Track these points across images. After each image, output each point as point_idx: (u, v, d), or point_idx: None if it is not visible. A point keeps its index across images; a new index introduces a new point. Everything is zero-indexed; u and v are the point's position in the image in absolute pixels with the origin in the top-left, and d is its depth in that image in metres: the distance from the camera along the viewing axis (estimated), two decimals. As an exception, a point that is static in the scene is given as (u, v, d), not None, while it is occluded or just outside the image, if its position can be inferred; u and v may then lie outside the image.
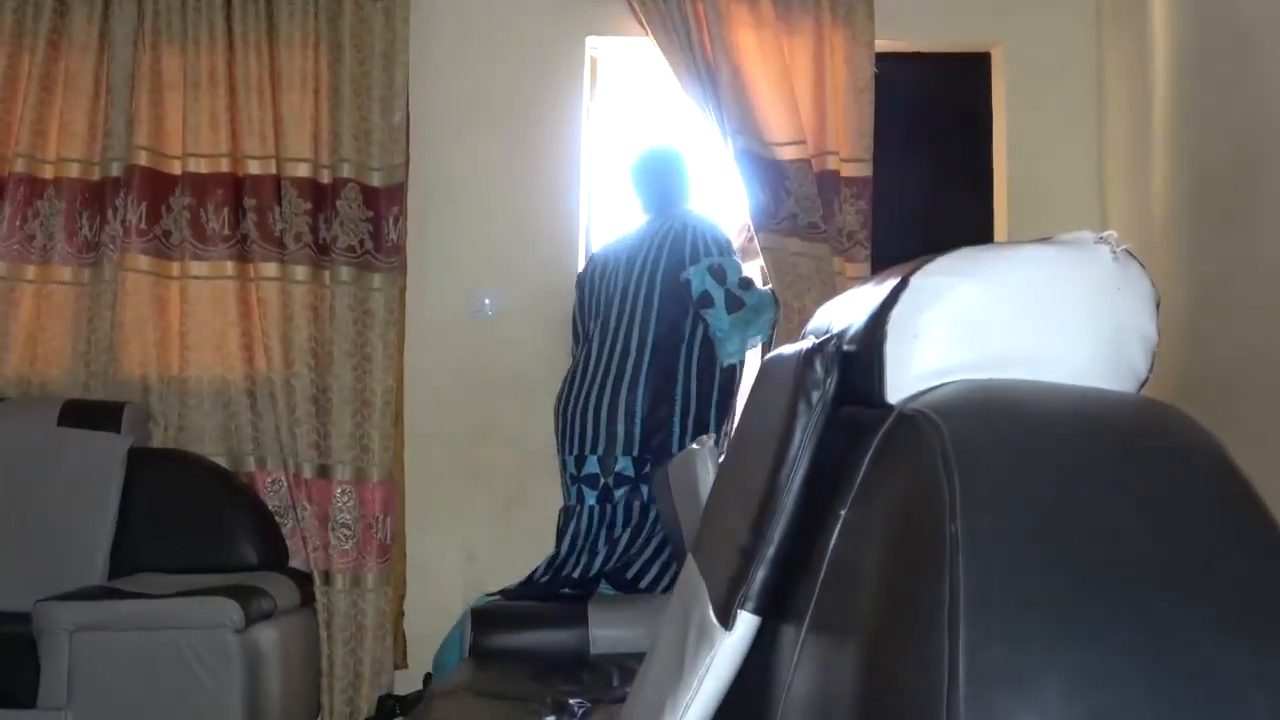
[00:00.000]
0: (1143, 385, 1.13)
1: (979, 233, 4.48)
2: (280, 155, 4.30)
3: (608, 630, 3.27)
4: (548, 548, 4.27)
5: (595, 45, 4.51)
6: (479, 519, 4.33)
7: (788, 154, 4.19)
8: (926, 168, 4.72)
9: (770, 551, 1.17)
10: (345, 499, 4.21)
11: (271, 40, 4.33)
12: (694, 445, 2.12)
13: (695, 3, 4.25)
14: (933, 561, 0.83)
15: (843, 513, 1.08)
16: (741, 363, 3.79)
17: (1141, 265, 1.11)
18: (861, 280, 4.44)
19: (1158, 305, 1.12)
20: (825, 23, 4.30)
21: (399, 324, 4.33)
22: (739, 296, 3.70)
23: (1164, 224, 3.78)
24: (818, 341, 1.20)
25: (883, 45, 4.38)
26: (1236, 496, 0.89)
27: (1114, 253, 1.09)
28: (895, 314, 1.10)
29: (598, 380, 3.75)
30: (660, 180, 4.08)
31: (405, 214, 4.35)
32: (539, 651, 3.23)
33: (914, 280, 1.10)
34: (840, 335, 1.22)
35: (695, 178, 4.14)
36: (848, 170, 4.26)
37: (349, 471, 4.22)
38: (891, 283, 1.13)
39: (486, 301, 4.41)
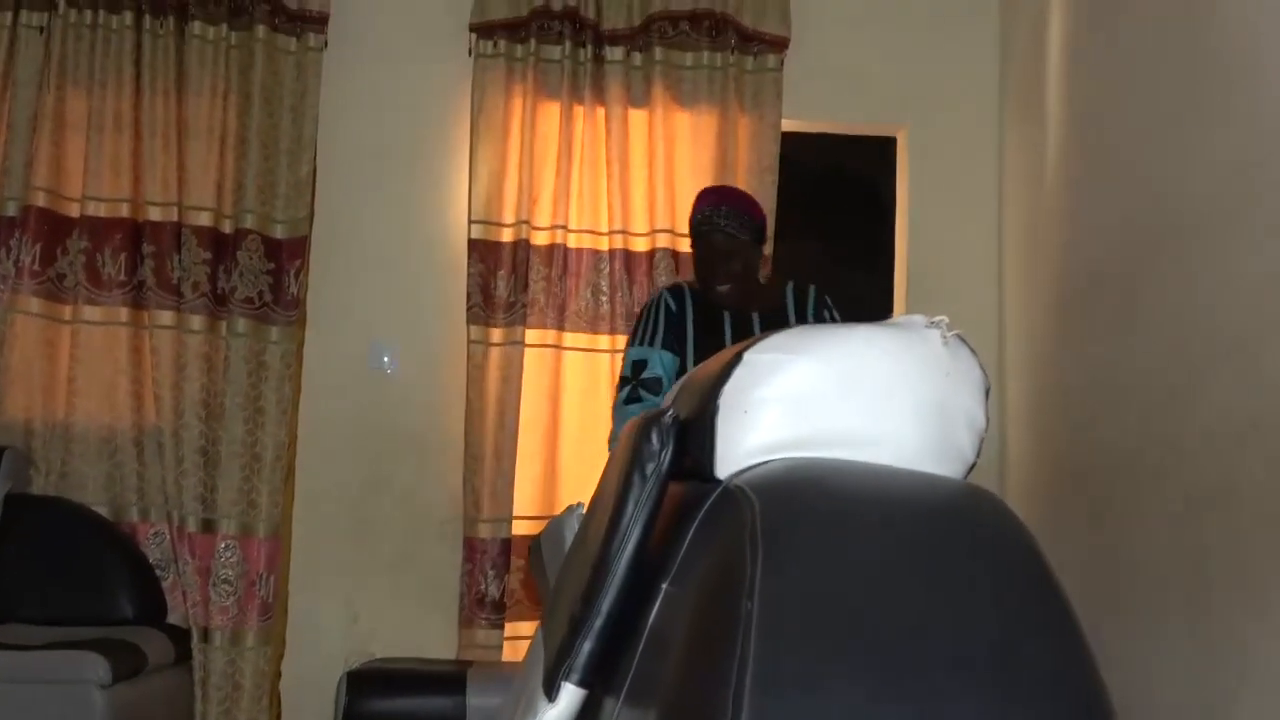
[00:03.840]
0: (970, 470, 1.14)
1: (878, 312, 4.53)
2: (182, 203, 4.26)
3: (485, 699, 3.23)
4: (437, 610, 4.22)
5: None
6: (366, 578, 4.26)
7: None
8: (830, 245, 4.79)
9: (598, 623, 1.16)
10: (229, 554, 4.13)
11: (180, 87, 4.30)
12: (563, 512, 2.11)
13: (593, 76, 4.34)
14: (726, 638, 0.83)
15: (664, 586, 1.07)
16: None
17: (972, 351, 1.12)
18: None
19: (987, 392, 1.14)
20: (732, 104, 4.37)
21: (295, 378, 4.28)
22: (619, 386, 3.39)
23: (1057, 311, 3.85)
24: (654, 412, 1.20)
25: (790, 125, 4.46)
26: (1040, 590, 0.90)
27: (944, 338, 1.10)
28: (728, 389, 1.10)
29: None
30: None
31: (307, 267, 4.32)
32: (415, 717, 3.18)
33: (748, 356, 1.11)
34: (679, 408, 1.22)
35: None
36: (748, 246, 4.30)
37: (234, 526, 4.15)
38: (728, 358, 1.14)
39: (386, 358, 4.37)
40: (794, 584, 0.85)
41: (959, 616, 0.85)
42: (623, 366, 3.42)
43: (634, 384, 3.30)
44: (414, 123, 4.45)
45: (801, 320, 3.35)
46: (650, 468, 1.18)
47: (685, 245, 4.28)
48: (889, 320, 1.13)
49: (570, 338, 4.28)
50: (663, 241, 4.29)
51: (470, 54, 4.37)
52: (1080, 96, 3.74)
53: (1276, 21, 2.55)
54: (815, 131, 4.70)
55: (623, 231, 4.29)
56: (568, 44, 4.34)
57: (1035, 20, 4.13)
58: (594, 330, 4.27)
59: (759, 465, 1.05)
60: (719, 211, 3.42)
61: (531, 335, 4.27)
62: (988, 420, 1.13)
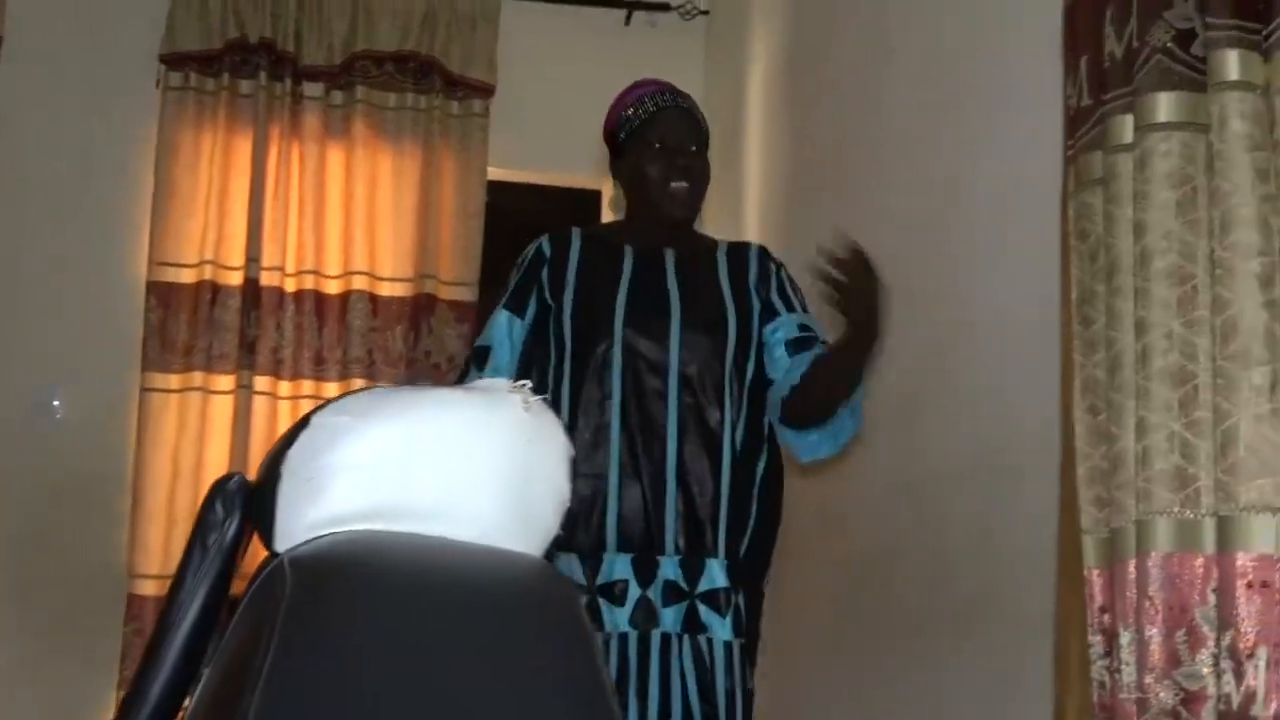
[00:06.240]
0: (553, 540, 1.09)
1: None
2: None
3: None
4: (98, 683, 3.91)
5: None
6: (22, 642, 3.91)
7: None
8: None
9: (145, 711, 1.05)
10: None
11: None
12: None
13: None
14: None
15: (205, 670, 0.98)
16: None
17: (556, 417, 1.08)
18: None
19: (572, 461, 1.09)
20: (438, 147, 4.30)
21: (-57, 424, 3.94)
22: None
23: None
24: (221, 478, 1.10)
25: (497, 174, 4.42)
26: (580, 673, 0.85)
27: (527, 403, 1.05)
28: (292, 454, 1.03)
29: None
30: None
31: (-37, 304, 4.00)
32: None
33: (315, 419, 1.04)
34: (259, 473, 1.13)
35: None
36: (449, 294, 4.24)
37: None
38: (296, 421, 1.06)
39: (56, 403, 4.08)
40: (303, 675, 0.77)
41: (488, 703, 0.79)
42: None
43: (467, 356, 2.52)
44: (93, 155, 4.18)
45: (739, 287, 2.44)
46: (212, 539, 1.08)
47: (384, 289, 4.20)
48: (470, 384, 1.08)
49: (261, 381, 4.09)
50: (358, 284, 4.16)
51: (158, 85, 4.16)
52: (776, 161, 3.83)
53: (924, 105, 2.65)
54: (522, 181, 4.67)
55: (314, 272, 4.14)
56: (264, 77, 4.18)
57: (735, 82, 4.22)
58: (277, 375, 4.09)
59: (316, 539, 0.97)
60: (670, 91, 2.57)
61: (220, 381, 4.07)
62: (572, 489, 1.09)
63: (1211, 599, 1.55)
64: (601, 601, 2.22)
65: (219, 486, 1.10)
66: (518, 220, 4.61)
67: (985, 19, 2.51)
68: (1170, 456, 1.59)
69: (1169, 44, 1.64)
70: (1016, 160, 2.31)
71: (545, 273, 2.45)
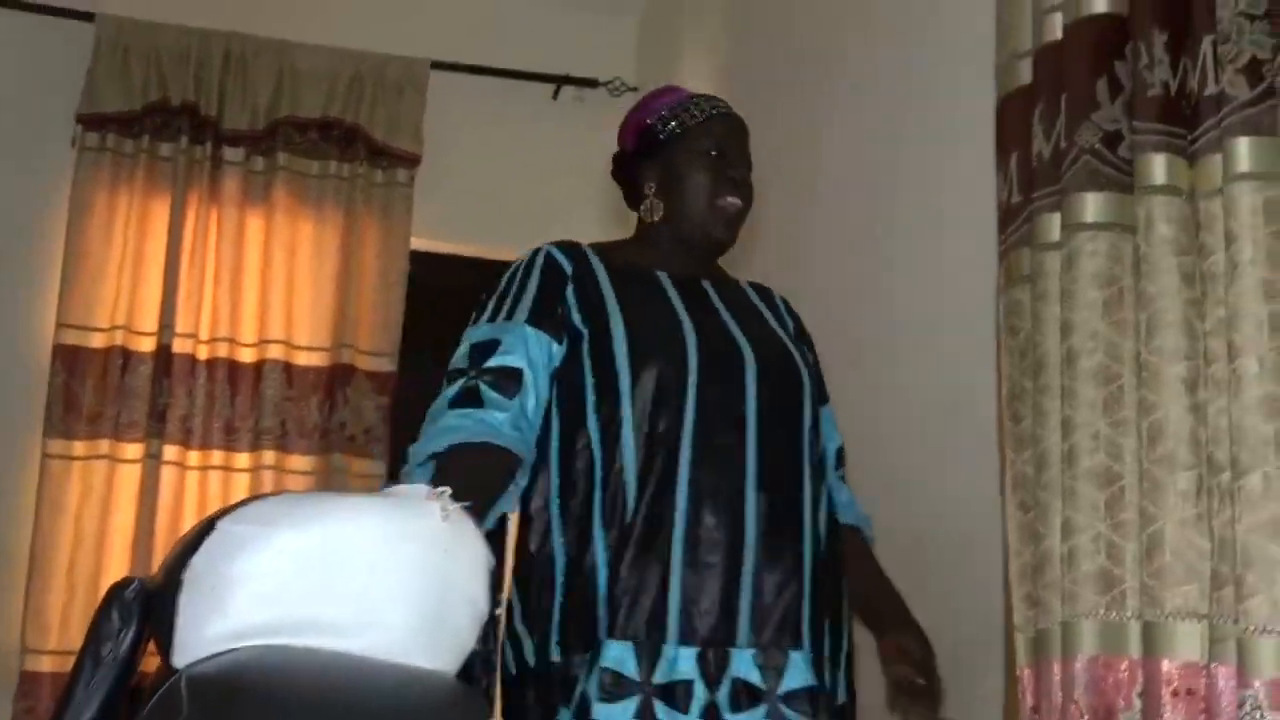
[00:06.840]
0: (471, 656, 1.04)
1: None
2: None
3: None
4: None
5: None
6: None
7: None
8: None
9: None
10: None
11: None
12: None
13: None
14: None
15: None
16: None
17: (475, 527, 1.03)
18: (374, 480, 4.32)
19: (492, 572, 1.05)
20: (361, 216, 4.25)
21: None
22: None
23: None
24: (118, 583, 1.04)
25: (422, 244, 4.36)
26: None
27: (445, 512, 1.01)
28: (195, 561, 0.98)
29: None
30: None
31: None
32: None
33: (221, 524, 0.99)
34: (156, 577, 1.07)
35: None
36: (367, 364, 4.16)
37: None
38: (202, 524, 1.00)
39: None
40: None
41: None
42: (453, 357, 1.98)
43: (473, 376, 1.84)
44: (2, 213, 4.07)
45: (777, 317, 2.11)
46: (106, 650, 1.02)
47: (300, 358, 4.11)
48: (386, 489, 1.03)
49: (170, 450, 3.97)
50: (274, 353, 4.07)
51: (74, 145, 4.07)
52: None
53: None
54: (445, 252, 4.62)
55: (229, 339, 4.05)
56: (184, 140, 4.11)
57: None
58: (187, 444, 3.97)
59: (219, 655, 0.92)
60: (724, 101, 2.12)
61: (127, 449, 3.95)
62: (490, 602, 1.04)
63: (1137, 704, 1.53)
64: (659, 705, 1.72)
65: (115, 593, 1.03)
66: (440, 291, 4.55)
67: (923, 104, 2.52)
68: (1096, 558, 1.57)
69: (1096, 145, 1.65)
70: (953, 249, 2.30)
71: (571, 291, 1.93)
